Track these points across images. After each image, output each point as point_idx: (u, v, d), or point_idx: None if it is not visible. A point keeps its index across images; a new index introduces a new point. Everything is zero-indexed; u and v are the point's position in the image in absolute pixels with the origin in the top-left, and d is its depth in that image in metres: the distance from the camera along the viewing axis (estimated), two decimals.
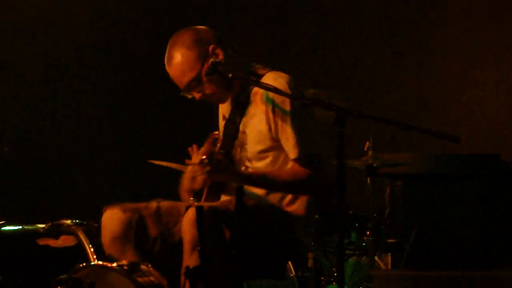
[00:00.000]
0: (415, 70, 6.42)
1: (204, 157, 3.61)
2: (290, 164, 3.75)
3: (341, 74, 6.58)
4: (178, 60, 3.78)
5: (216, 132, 3.89)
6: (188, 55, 3.77)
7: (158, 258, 3.79)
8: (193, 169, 3.68)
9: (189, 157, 3.76)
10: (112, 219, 3.82)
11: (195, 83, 3.78)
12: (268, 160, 3.79)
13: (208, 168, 3.60)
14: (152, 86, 6.52)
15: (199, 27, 3.87)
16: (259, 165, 3.79)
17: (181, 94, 3.83)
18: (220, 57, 3.77)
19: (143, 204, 3.88)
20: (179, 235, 3.69)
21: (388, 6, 6.53)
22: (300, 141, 3.70)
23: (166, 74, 3.86)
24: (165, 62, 3.83)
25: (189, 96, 3.84)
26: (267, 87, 3.59)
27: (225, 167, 3.68)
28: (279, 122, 3.72)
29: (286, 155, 3.75)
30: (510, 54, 6.14)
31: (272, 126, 3.73)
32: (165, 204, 3.89)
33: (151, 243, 3.83)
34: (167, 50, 3.83)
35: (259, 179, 3.73)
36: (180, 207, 3.83)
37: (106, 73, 6.58)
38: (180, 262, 3.56)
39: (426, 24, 6.42)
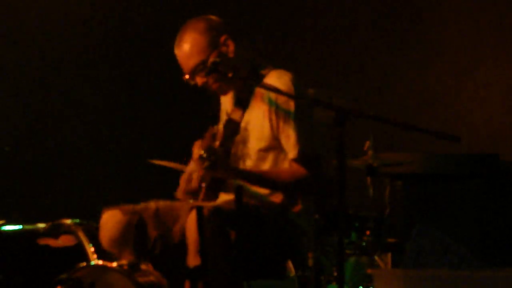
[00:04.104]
0: (415, 70, 6.42)
1: (203, 152, 3.61)
2: (287, 164, 3.75)
3: (341, 74, 6.58)
4: (188, 43, 3.79)
5: (215, 127, 3.87)
6: (199, 39, 3.79)
7: (159, 259, 3.77)
8: (192, 165, 3.68)
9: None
10: (111, 221, 3.81)
11: (201, 68, 3.77)
12: (269, 159, 3.78)
13: (206, 163, 3.60)
14: (152, 86, 6.52)
15: (213, 17, 3.91)
16: (259, 163, 3.78)
17: (184, 78, 3.82)
18: (231, 48, 3.80)
19: (141, 206, 3.86)
20: (178, 235, 3.68)
21: (389, 6, 6.52)
22: (300, 141, 3.70)
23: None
24: (175, 44, 3.83)
25: (192, 82, 3.82)
26: (270, 88, 3.60)
27: (224, 163, 3.67)
28: (281, 121, 3.72)
29: (286, 155, 3.75)
30: (510, 54, 6.13)
31: (274, 125, 3.73)
32: (163, 204, 3.87)
33: (152, 245, 3.81)
34: (178, 33, 3.84)
35: (257, 177, 3.73)
36: (178, 207, 3.82)
37: (106, 73, 6.57)
38: (180, 262, 3.56)
39: (427, 24, 6.42)
